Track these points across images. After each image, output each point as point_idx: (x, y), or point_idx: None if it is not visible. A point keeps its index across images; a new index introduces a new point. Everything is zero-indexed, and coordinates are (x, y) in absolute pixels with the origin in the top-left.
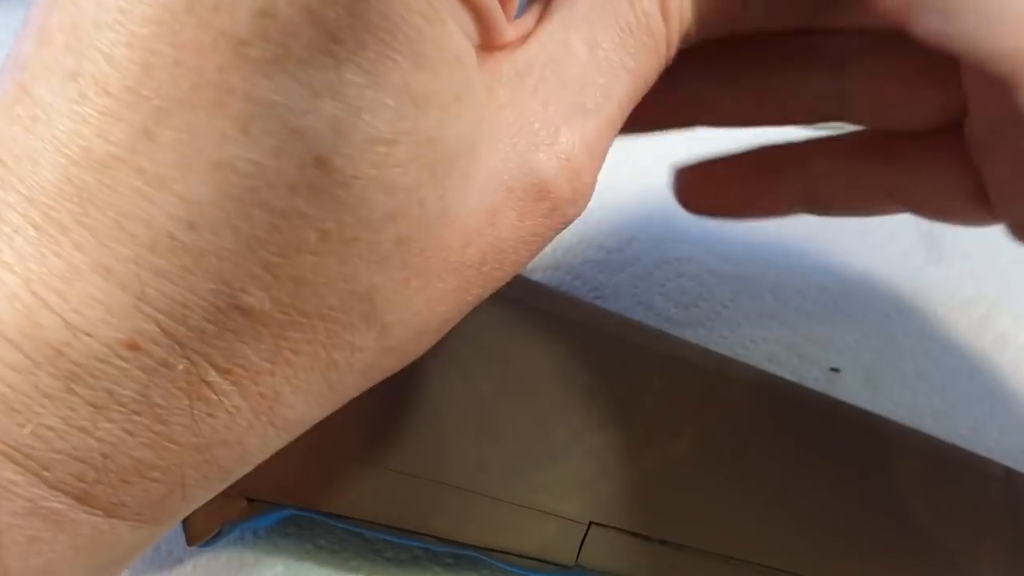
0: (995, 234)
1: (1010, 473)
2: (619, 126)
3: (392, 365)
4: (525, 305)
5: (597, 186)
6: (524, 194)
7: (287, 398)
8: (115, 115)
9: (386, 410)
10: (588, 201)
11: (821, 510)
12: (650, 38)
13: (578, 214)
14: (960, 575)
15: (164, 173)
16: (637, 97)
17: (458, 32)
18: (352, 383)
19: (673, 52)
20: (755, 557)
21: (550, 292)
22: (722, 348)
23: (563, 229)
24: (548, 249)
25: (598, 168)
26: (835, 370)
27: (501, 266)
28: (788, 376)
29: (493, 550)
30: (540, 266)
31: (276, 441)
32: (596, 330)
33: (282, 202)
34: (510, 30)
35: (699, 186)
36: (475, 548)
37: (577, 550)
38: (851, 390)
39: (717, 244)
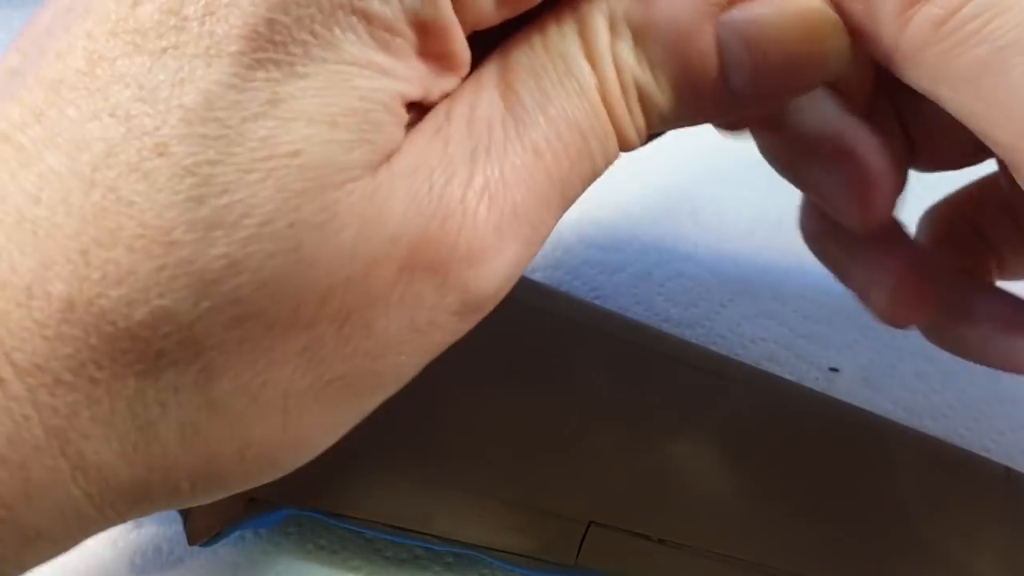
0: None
1: (1009, 473)
2: (547, 196)
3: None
4: (525, 305)
5: (597, 187)
6: (408, 247)
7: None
8: None
9: (386, 410)
10: (498, 276)
11: (820, 510)
12: (595, 137)
13: (484, 291)
14: (959, 574)
15: None
16: (568, 174)
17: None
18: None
19: (637, 143)
20: (754, 557)
21: (550, 292)
22: (721, 348)
23: (467, 321)
24: (548, 248)
25: (509, 231)
26: (834, 370)
27: (373, 346)
28: (787, 376)
29: (493, 549)
30: (540, 266)
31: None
32: (596, 330)
33: None
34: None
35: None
36: (475, 547)
37: (577, 549)
38: (850, 390)
39: (717, 244)
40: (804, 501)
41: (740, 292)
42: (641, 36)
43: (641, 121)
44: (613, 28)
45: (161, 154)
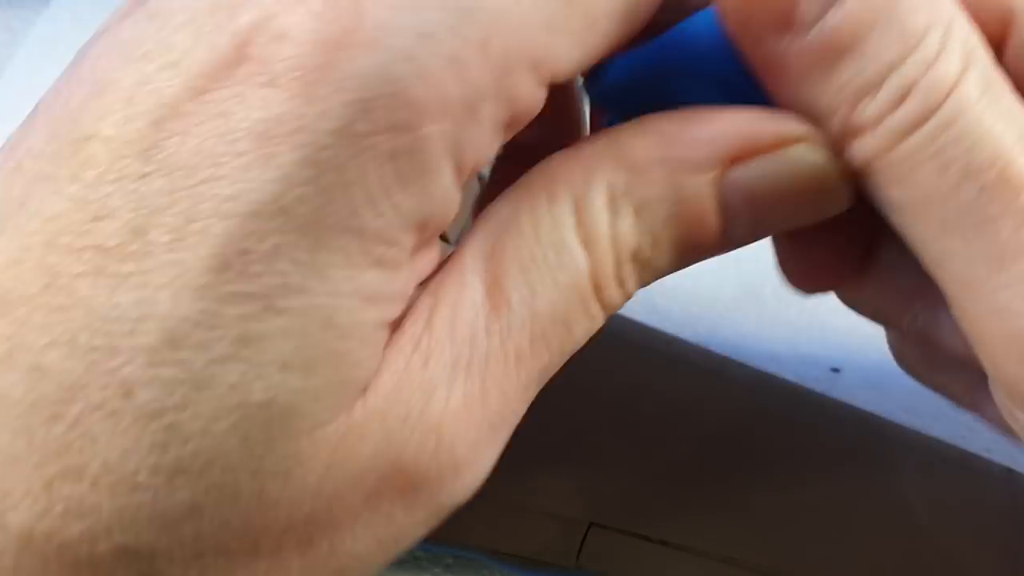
0: None
1: (1010, 473)
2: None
3: None
4: None
5: None
6: (377, 479)
7: None
8: None
9: None
10: (472, 485)
11: (821, 510)
12: (580, 324)
13: (456, 501)
14: (960, 574)
15: None
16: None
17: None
18: None
19: (621, 305)
20: (755, 557)
21: None
22: (722, 348)
23: (436, 524)
24: None
25: (486, 442)
26: (835, 370)
27: (338, 563)
28: (789, 376)
29: (493, 551)
30: None
31: None
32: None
33: None
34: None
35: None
36: (475, 549)
37: (577, 551)
38: (851, 390)
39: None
40: (805, 502)
41: (741, 292)
42: (643, 210)
43: (632, 287)
44: (613, 206)
45: (127, 395)
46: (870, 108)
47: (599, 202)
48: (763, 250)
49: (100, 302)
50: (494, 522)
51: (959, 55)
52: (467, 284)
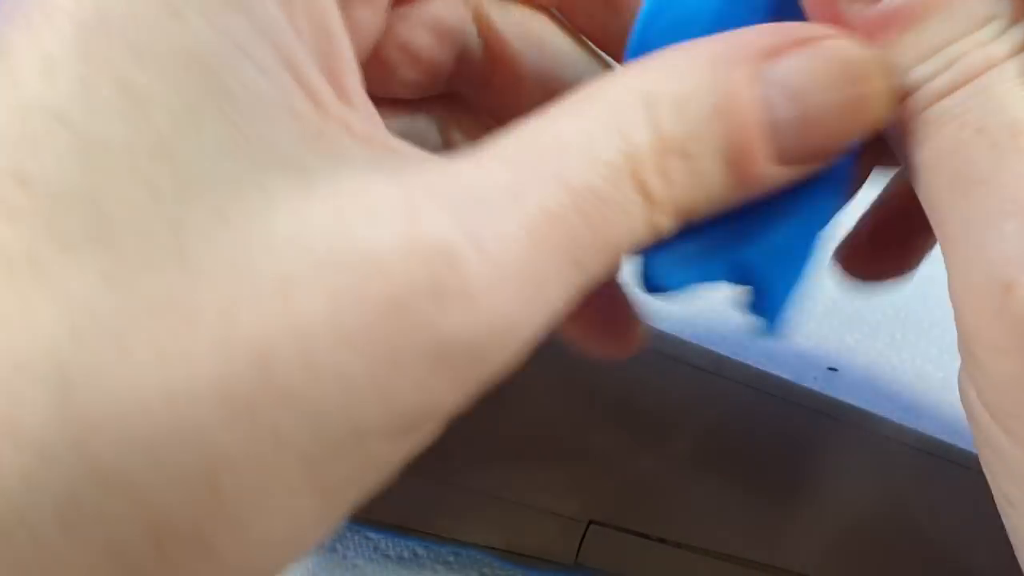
0: None
1: None
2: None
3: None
4: None
5: None
6: (343, 271)
7: None
8: None
9: None
10: (489, 324)
11: (819, 509)
12: (616, 205)
13: (477, 336)
14: (959, 574)
15: None
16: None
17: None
18: None
19: (671, 220)
20: (753, 555)
21: None
22: (721, 348)
23: (473, 382)
24: None
25: (512, 288)
26: (833, 370)
27: (306, 379)
28: (787, 376)
29: (493, 548)
30: None
31: None
32: None
33: None
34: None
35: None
36: (475, 547)
37: (576, 549)
38: (850, 390)
39: None
40: (803, 500)
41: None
42: (681, 103)
43: (679, 186)
44: (649, 99)
45: (21, 184)
46: (920, 72)
47: (632, 98)
48: None
49: None
50: (493, 520)
51: (1011, 45)
52: (482, 157)
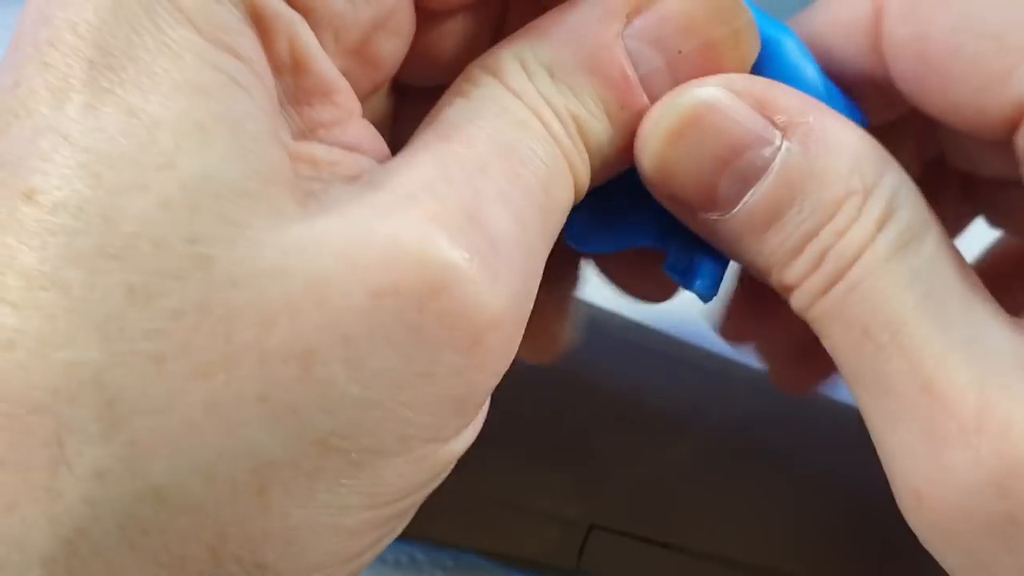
0: (994, 235)
1: None
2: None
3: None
4: None
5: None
6: (374, 262)
7: None
8: None
9: None
10: (514, 296)
11: (824, 512)
12: (545, 158)
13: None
14: None
15: None
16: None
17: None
18: None
19: (586, 180)
20: (758, 559)
21: None
22: (724, 349)
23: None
24: None
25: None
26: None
27: (349, 376)
28: None
29: (492, 553)
30: None
31: None
32: (596, 330)
33: None
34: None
35: None
36: (474, 552)
37: (578, 554)
38: None
39: None
40: (808, 503)
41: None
42: (555, 69)
43: (585, 154)
44: (526, 68)
45: (29, 200)
46: (794, 271)
47: (512, 65)
48: None
49: None
50: (493, 524)
51: (875, 219)
52: (414, 145)
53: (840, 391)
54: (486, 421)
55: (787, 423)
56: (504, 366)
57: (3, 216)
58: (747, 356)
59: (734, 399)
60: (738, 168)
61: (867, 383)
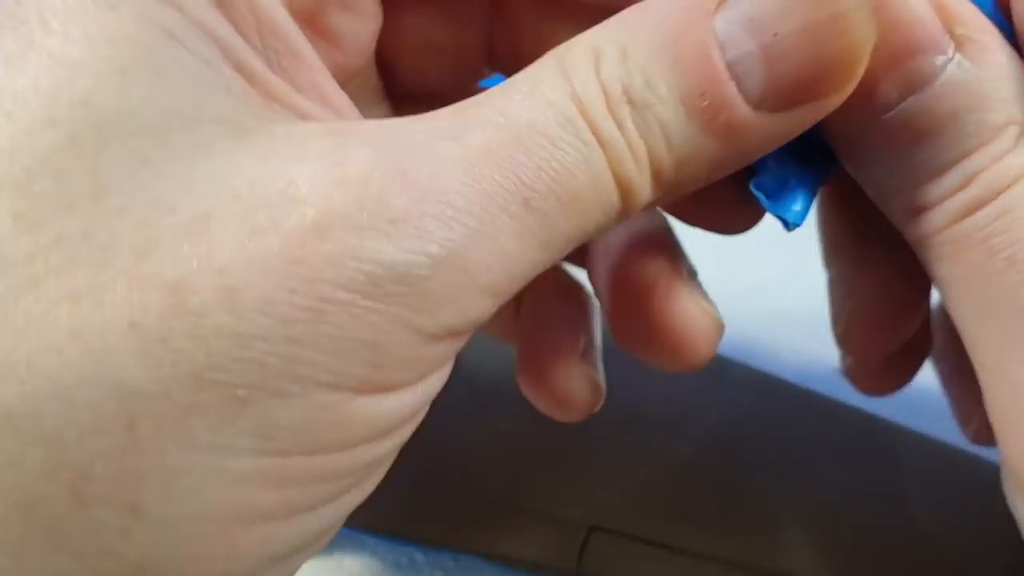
0: None
1: None
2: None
3: None
4: None
5: None
6: (261, 202)
7: None
8: None
9: None
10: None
11: (825, 512)
12: (570, 148)
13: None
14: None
15: None
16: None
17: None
18: None
19: (640, 184)
20: (759, 561)
21: None
22: (724, 349)
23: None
24: None
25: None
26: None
27: (223, 307)
28: (791, 377)
29: (493, 555)
30: None
31: None
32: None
33: None
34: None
35: None
36: (474, 553)
37: (578, 555)
38: (853, 391)
39: (720, 243)
40: (809, 504)
41: (745, 292)
42: (629, 50)
43: (633, 129)
44: (595, 52)
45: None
46: (935, 189)
47: (579, 50)
48: (766, 249)
49: None
50: (493, 526)
51: None
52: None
53: (840, 391)
54: (487, 421)
55: (787, 423)
56: (426, 327)
57: None
58: (747, 356)
59: (734, 400)
60: (907, 70)
61: (1001, 315)
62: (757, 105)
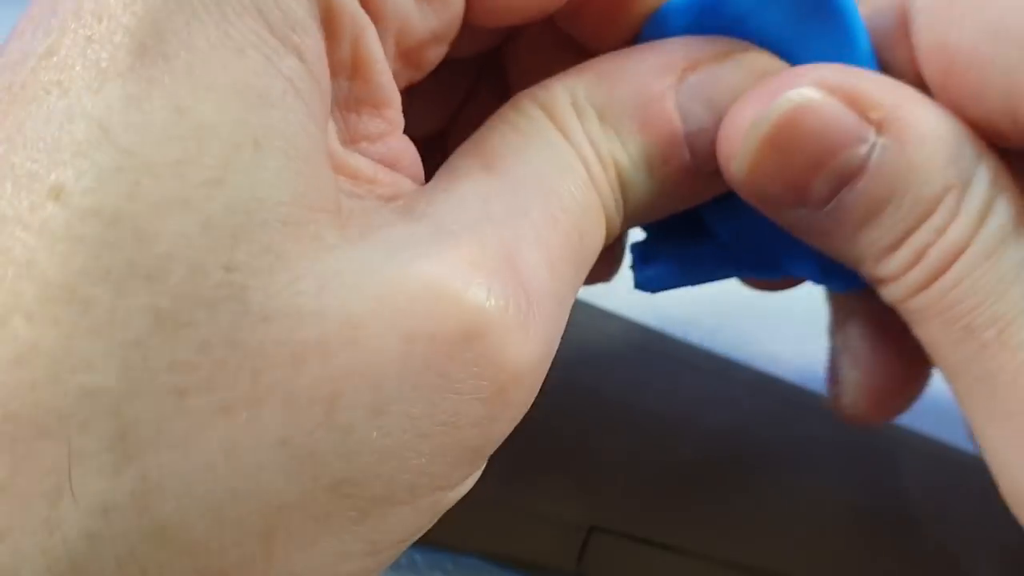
0: None
1: None
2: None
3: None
4: None
5: None
6: (410, 305)
7: None
8: None
9: None
10: (541, 344)
11: (824, 513)
12: (589, 210)
13: (526, 367)
14: (961, 575)
15: None
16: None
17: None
18: None
19: (618, 225)
20: (759, 561)
21: None
22: (724, 350)
23: (511, 410)
24: None
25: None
26: None
27: (371, 423)
28: (791, 378)
29: (492, 556)
30: None
31: None
32: (597, 331)
33: None
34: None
35: None
36: (474, 554)
37: (578, 556)
38: None
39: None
40: (809, 504)
41: (744, 294)
42: (605, 113)
43: (621, 201)
44: (577, 108)
45: (56, 198)
46: (890, 265)
47: (564, 102)
48: None
49: (20, 122)
50: (493, 526)
51: (975, 213)
52: (457, 169)
53: None
54: None
55: (787, 424)
56: (520, 416)
57: (24, 210)
58: (747, 356)
59: (734, 400)
60: (833, 168)
61: (968, 380)
62: (709, 169)
